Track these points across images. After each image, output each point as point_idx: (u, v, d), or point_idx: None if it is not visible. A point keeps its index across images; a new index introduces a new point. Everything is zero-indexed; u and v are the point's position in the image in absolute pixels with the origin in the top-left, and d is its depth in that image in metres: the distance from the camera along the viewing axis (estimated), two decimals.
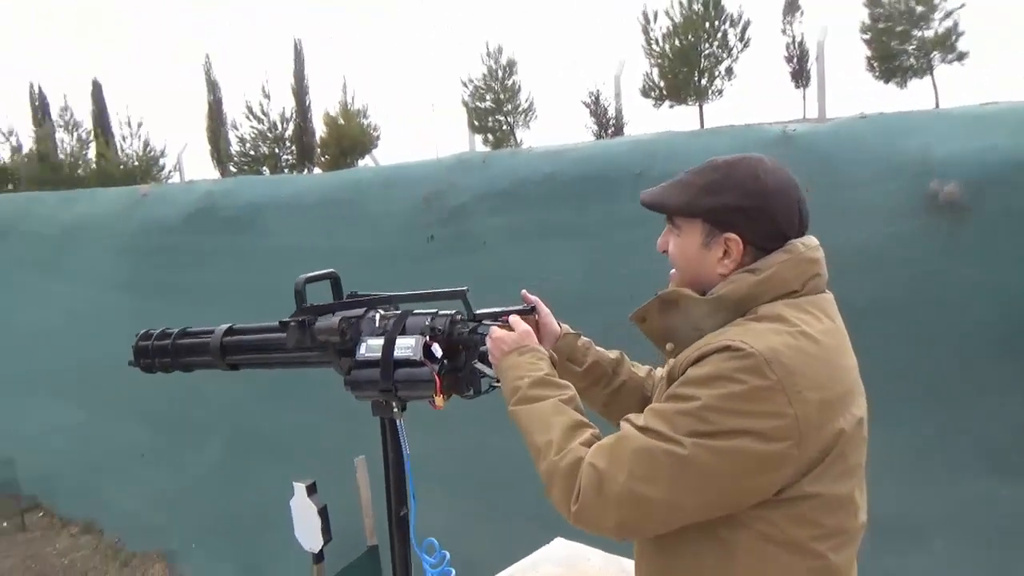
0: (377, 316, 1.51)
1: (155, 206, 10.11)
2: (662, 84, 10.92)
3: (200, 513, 6.24)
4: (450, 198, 6.46)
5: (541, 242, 5.61)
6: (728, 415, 1.08)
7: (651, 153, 5.21)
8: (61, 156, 15.67)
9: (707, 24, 10.61)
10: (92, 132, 15.78)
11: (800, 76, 12.45)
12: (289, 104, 11.25)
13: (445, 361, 1.42)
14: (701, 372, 1.13)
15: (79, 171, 15.43)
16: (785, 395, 1.08)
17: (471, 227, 6.22)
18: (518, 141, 8.47)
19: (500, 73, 8.26)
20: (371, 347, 1.44)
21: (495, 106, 8.39)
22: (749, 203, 1.23)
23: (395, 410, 1.48)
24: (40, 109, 16.78)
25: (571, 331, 1.59)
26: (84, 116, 15.91)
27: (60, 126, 15.93)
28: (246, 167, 11.83)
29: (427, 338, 1.41)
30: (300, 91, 11.28)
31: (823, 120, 5.81)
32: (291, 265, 7.13)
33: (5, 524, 7.23)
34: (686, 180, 1.31)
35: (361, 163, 10.49)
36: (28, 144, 16.52)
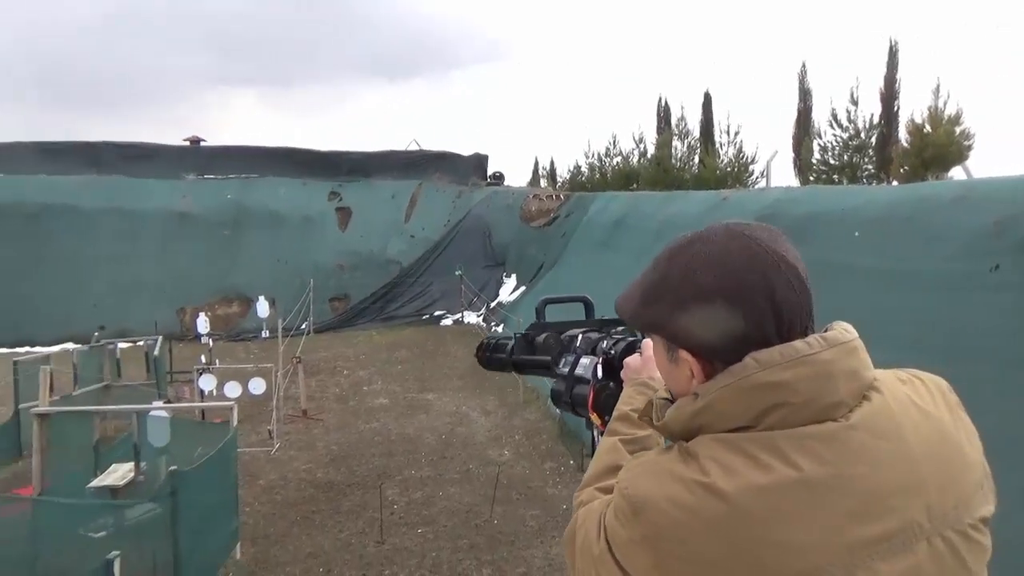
0: (580, 336, 1.58)
1: (730, 209, 10.88)
2: None
3: None
4: None
5: None
6: (617, 552, 0.92)
7: None
8: (673, 161, 17.99)
9: None
10: (698, 140, 17.64)
11: None
12: (876, 110, 10.60)
13: (610, 383, 1.42)
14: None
15: (685, 175, 17.48)
16: (651, 556, 0.86)
17: None
18: None
19: None
20: (566, 362, 1.54)
21: None
22: (685, 313, 0.94)
23: (593, 426, 1.54)
24: (663, 119, 19.52)
25: None
26: (695, 125, 17.88)
27: (675, 135, 18.27)
28: (824, 176, 11.65)
29: (599, 359, 1.45)
30: (889, 96, 10.45)
31: None
32: (835, 280, 6.90)
33: None
34: (640, 277, 1.07)
35: (948, 176, 9.27)
36: (651, 150, 19.49)
